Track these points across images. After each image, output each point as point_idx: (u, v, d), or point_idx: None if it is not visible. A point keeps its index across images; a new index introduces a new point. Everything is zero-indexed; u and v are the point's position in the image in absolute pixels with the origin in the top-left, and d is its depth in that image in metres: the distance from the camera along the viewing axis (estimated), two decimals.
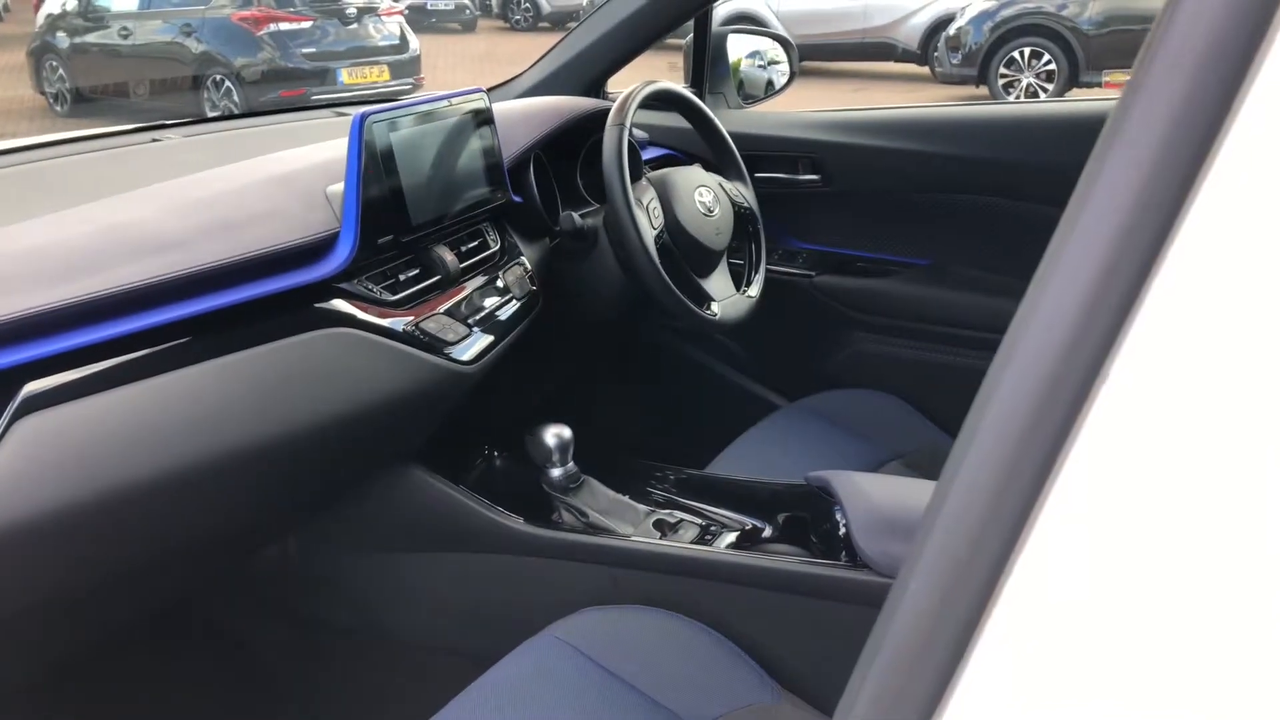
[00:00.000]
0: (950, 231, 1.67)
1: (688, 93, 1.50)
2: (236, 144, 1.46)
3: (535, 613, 1.11)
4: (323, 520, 1.27)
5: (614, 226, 1.38)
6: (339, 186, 1.12)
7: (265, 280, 0.99)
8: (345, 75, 7.07)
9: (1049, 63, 7.74)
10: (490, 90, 1.87)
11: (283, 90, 6.62)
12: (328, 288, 1.05)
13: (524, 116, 1.44)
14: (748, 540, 1.17)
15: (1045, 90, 7.77)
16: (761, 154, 1.71)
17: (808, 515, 1.16)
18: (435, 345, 1.11)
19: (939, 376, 1.70)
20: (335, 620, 1.34)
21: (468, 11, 13.58)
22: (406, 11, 8.21)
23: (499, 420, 1.39)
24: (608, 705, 0.98)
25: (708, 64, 1.79)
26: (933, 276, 1.68)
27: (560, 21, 14.03)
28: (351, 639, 1.32)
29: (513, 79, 1.84)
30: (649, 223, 1.33)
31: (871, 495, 1.03)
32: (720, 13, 9.87)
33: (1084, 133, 1.56)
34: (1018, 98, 7.87)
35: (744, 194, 1.54)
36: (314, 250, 1.05)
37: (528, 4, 13.93)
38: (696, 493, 1.26)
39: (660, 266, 1.31)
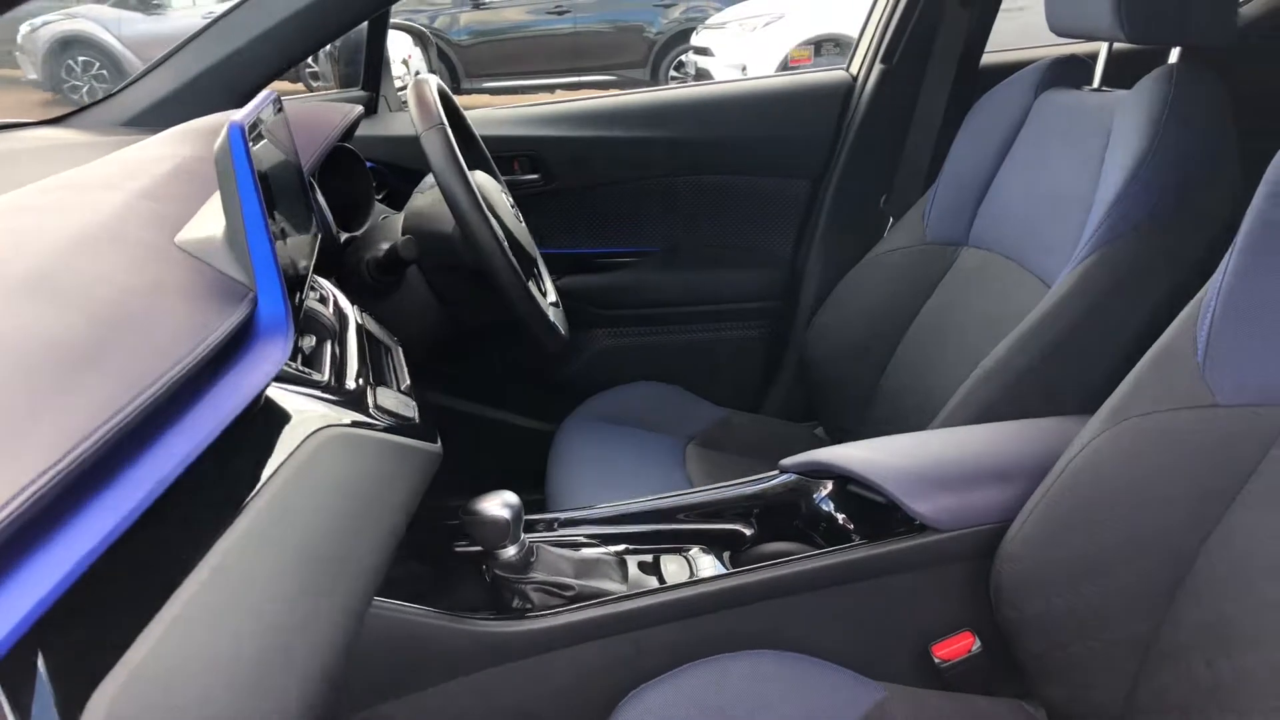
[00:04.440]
0: (674, 214, 1.70)
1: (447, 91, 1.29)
2: None
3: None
4: None
5: (439, 248, 1.15)
6: (193, 235, 0.76)
7: (214, 390, 0.63)
8: None
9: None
10: (88, 108, 1.40)
11: None
12: None
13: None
14: (734, 548, 1.08)
15: None
16: None
17: (779, 506, 1.10)
18: (410, 428, 0.82)
19: (687, 355, 1.73)
20: None
21: None
22: None
23: None
24: None
25: (383, 67, 1.56)
26: (665, 261, 1.70)
27: None
28: None
29: (122, 89, 1.39)
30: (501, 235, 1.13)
31: (889, 461, 1.02)
32: (49, 33, 8.46)
33: (774, 105, 1.71)
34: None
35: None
36: (235, 334, 0.70)
37: None
38: (635, 522, 1.11)
39: (525, 280, 1.12)
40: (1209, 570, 0.82)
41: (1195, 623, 0.83)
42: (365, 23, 1.52)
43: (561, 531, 1.09)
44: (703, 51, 7.26)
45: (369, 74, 1.55)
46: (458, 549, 1.06)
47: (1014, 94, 1.40)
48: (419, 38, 1.71)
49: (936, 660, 0.99)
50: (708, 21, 7.57)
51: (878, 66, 1.65)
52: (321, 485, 0.65)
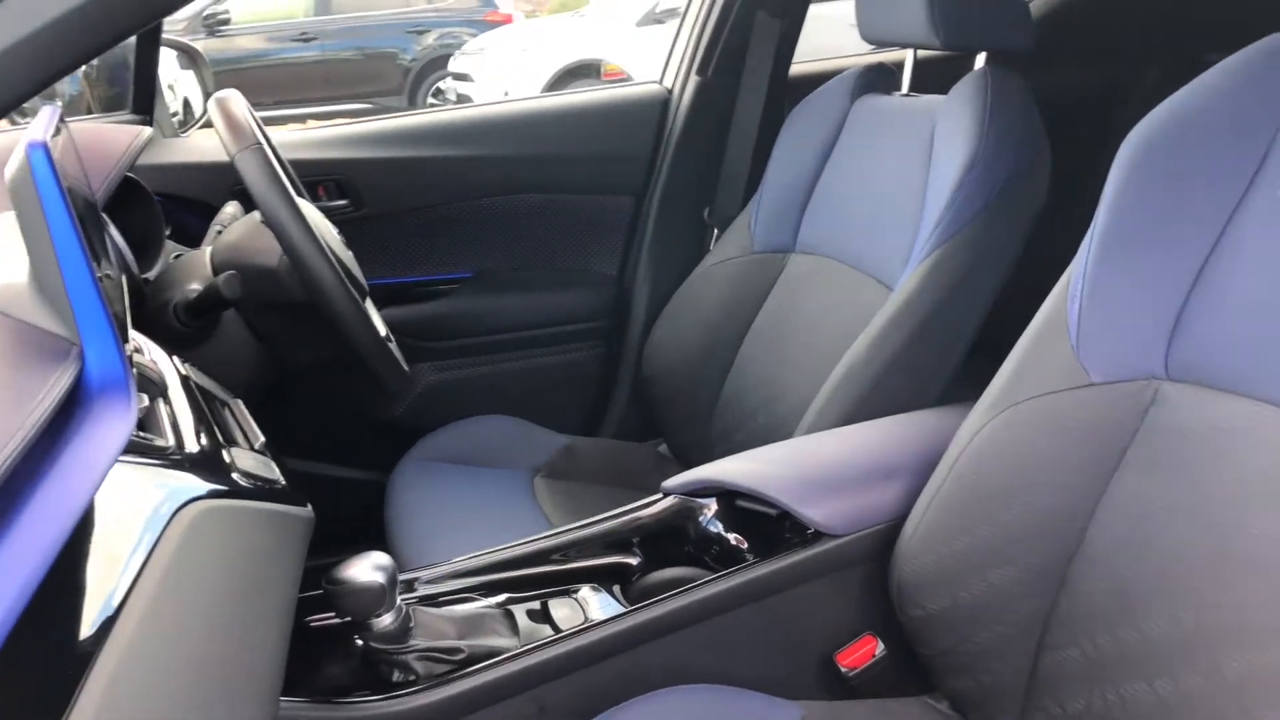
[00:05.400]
0: (494, 236, 1.61)
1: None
2: None
3: None
4: None
5: (262, 284, 1.01)
6: None
7: (54, 472, 0.50)
8: None
9: None
10: None
11: None
12: None
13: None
14: (624, 582, 1.01)
15: None
16: None
17: (665, 531, 1.05)
18: (279, 493, 0.70)
19: (518, 383, 1.65)
20: None
21: None
22: None
23: None
24: None
25: (158, 88, 1.37)
26: (488, 286, 1.61)
27: None
28: None
29: None
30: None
31: (776, 470, 0.99)
32: None
33: (590, 121, 1.68)
34: None
35: None
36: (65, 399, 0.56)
37: None
38: (511, 568, 1.02)
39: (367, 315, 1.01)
40: (1099, 541, 0.85)
41: (1091, 592, 0.85)
42: (133, 38, 1.33)
43: (427, 590, 0.98)
44: (462, 77, 7.17)
45: (140, 95, 1.35)
46: (314, 623, 0.93)
47: (830, 101, 1.44)
48: (189, 55, 1.52)
49: (842, 669, 0.97)
50: (465, 48, 7.48)
51: (693, 78, 1.65)
52: (204, 572, 0.53)
